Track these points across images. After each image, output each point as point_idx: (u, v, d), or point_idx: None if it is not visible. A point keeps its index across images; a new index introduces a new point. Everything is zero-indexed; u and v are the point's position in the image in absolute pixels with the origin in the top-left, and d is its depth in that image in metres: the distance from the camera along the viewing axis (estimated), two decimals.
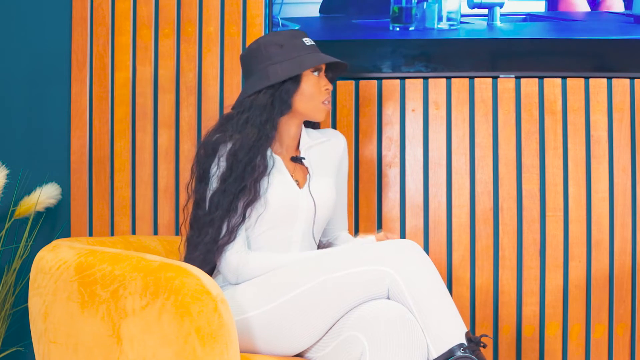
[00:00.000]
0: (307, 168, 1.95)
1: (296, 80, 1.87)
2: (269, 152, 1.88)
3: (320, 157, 1.99)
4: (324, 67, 1.93)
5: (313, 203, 1.90)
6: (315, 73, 1.90)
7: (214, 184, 1.83)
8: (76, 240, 1.84)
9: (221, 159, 1.83)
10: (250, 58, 1.92)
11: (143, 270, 1.55)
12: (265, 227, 1.86)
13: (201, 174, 1.85)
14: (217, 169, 1.83)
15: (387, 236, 1.88)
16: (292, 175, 1.92)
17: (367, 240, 1.87)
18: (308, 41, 1.91)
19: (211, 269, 1.87)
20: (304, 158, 1.95)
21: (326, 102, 1.92)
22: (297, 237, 1.90)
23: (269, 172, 1.85)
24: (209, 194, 1.83)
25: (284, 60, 1.86)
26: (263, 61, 1.88)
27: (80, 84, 2.54)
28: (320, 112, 1.92)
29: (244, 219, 1.81)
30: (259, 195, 1.82)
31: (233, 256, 1.80)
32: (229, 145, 1.83)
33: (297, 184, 1.91)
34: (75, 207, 2.53)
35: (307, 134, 1.99)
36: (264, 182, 1.84)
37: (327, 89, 1.92)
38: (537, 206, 2.39)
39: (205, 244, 1.79)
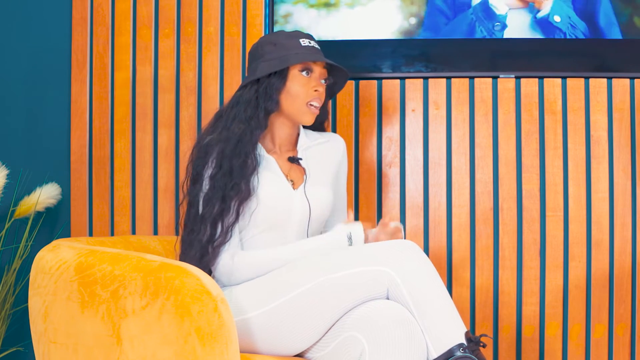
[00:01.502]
0: (304, 169, 1.94)
1: (282, 77, 1.86)
2: (258, 149, 1.88)
3: (318, 158, 1.98)
4: (318, 69, 1.90)
5: (308, 205, 1.90)
6: (304, 73, 1.88)
7: (206, 185, 1.83)
8: (76, 240, 1.84)
9: (212, 159, 1.83)
10: (250, 56, 1.94)
11: (143, 270, 1.55)
12: (259, 229, 1.85)
13: (195, 176, 1.85)
14: (209, 169, 1.83)
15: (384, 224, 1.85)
16: (287, 176, 1.91)
17: (354, 226, 1.83)
18: (306, 42, 1.89)
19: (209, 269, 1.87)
20: (300, 159, 1.94)
21: (312, 105, 1.88)
22: (291, 238, 1.89)
23: (257, 169, 1.85)
24: (202, 194, 1.83)
25: (273, 58, 1.86)
26: (257, 59, 1.89)
27: (80, 84, 2.54)
28: (304, 115, 1.89)
29: (237, 217, 1.81)
30: (250, 192, 1.82)
31: (226, 257, 1.80)
32: (219, 144, 1.84)
33: (292, 185, 1.91)
34: (75, 207, 2.53)
35: (306, 135, 1.98)
36: (254, 179, 1.83)
37: (315, 90, 1.88)
38: (537, 206, 2.39)
39: (199, 242, 1.79)
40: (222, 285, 1.84)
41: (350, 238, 1.81)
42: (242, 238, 1.86)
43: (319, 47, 1.91)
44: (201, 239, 1.79)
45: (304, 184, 1.91)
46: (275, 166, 1.90)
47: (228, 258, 1.81)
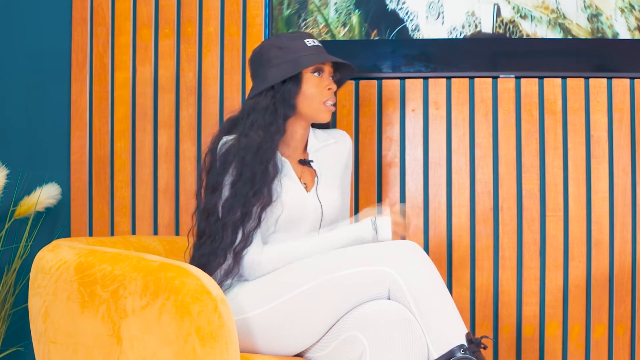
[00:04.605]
0: (315, 171, 1.94)
1: (297, 81, 1.86)
2: (277, 155, 1.87)
3: (327, 159, 1.98)
4: (327, 68, 1.91)
5: (320, 207, 1.90)
6: (316, 74, 1.88)
7: (226, 192, 1.81)
8: (76, 240, 1.84)
9: (233, 167, 1.81)
10: (254, 62, 1.92)
11: (143, 270, 1.55)
12: (272, 229, 1.85)
13: (215, 184, 1.82)
14: (230, 177, 1.82)
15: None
16: (299, 178, 1.91)
17: (381, 220, 1.83)
18: (311, 42, 1.89)
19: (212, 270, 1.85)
20: (312, 161, 1.94)
21: (329, 103, 1.90)
22: None
23: (280, 175, 1.85)
24: (221, 201, 1.81)
25: (282, 62, 1.86)
26: (264, 65, 1.88)
27: (80, 84, 2.54)
28: (323, 113, 1.90)
29: (259, 223, 1.79)
30: (272, 198, 1.80)
31: (250, 256, 1.79)
32: (240, 152, 1.82)
33: (305, 187, 1.91)
34: (75, 207, 2.53)
35: (314, 136, 1.98)
36: (277, 185, 1.83)
37: (329, 89, 1.89)
38: (537, 206, 2.39)
39: (222, 250, 1.77)
40: (228, 285, 1.83)
41: (375, 229, 1.81)
42: None
43: (321, 45, 1.92)
44: (224, 246, 1.77)
45: (315, 186, 1.91)
46: (291, 170, 1.89)
47: (256, 251, 1.79)
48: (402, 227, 1.85)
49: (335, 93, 1.95)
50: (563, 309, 2.38)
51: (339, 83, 2.00)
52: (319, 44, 1.91)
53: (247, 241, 1.78)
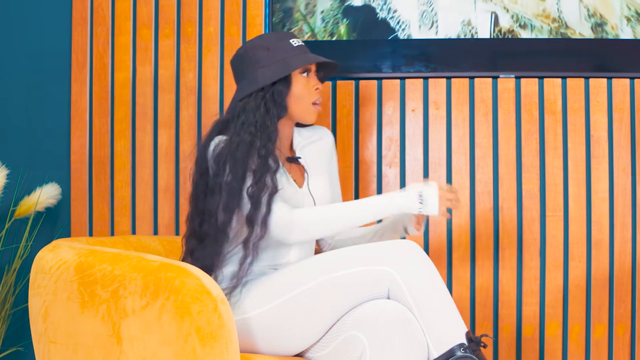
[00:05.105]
0: (303, 167, 1.95)
1: (286, 82, 1.87)
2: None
3: (313, 155, 1.99)
4: (313, 67, 1.91)
5: (313, 202, 1.91)
6: (304, 74, 1.89)
7: (225, 191, 1.78)
8: (76, 240, 1.84)
9: (229, 164, 1.81)
10: (239, 63, 1.92)
11: (143, 270, 1.55)
12: None
13: (213, 186, 1.80)
14: (227, 175, 1.81)
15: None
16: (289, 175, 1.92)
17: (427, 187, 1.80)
18: (296, 42, 1.90)
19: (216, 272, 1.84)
20: (299, 158, 1.95)
21: (316, 103, 1.91)
22: None
23: (283, 168, 1.85)
24: (222, 201, 1.79)
25: (271, 63, 1.86)
26: (251, 65, 1.87)
27: (80, 84, 2.54)
28: (310, 114, 1.91)
29: (269, 209, 1.77)
30: (277, 188, 1.79)
31: (283, 211, 1.77)
32: (233, 151, 1.82)
33: (296, 184, 1.91)
34: (75, 207, 2.53)
35: (298, 134, 2.00)
36: (281, 176, 1.83)
37: (317, 89, 1.91)
38: (537, 206, 2.39)
39: (223, 245, 1.77)
40: (228, 285, 1.82)
41: (422, 201, 1.79)
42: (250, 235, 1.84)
43: (305, 45, 1.93)
44: (233, 241, 1.78)
45: (306, 182, 1.93)
46: (282, 167, 1.90)
47: (285, 211, 1.77)
48: (453, 200, 1.82)
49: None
50: (563, 309, 2.38)
51: (322, 80, 2.01)
52: (303, 44, 1.92)
53: (262, 231, 1.76)
